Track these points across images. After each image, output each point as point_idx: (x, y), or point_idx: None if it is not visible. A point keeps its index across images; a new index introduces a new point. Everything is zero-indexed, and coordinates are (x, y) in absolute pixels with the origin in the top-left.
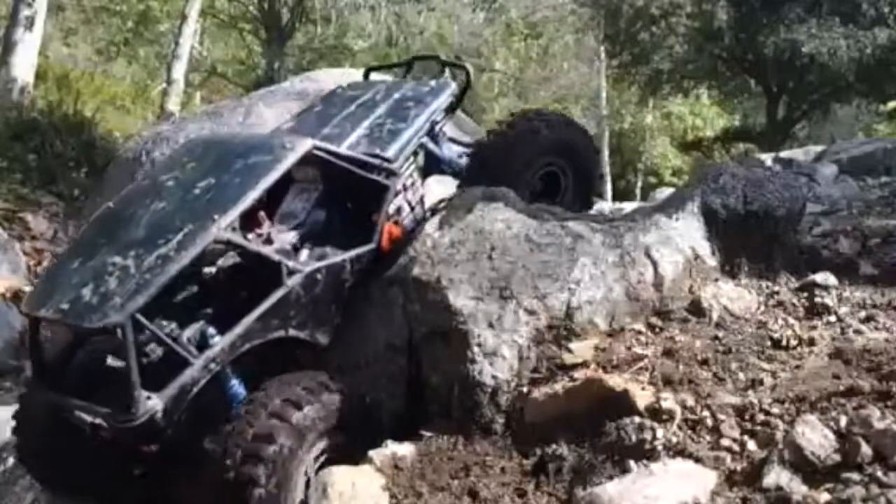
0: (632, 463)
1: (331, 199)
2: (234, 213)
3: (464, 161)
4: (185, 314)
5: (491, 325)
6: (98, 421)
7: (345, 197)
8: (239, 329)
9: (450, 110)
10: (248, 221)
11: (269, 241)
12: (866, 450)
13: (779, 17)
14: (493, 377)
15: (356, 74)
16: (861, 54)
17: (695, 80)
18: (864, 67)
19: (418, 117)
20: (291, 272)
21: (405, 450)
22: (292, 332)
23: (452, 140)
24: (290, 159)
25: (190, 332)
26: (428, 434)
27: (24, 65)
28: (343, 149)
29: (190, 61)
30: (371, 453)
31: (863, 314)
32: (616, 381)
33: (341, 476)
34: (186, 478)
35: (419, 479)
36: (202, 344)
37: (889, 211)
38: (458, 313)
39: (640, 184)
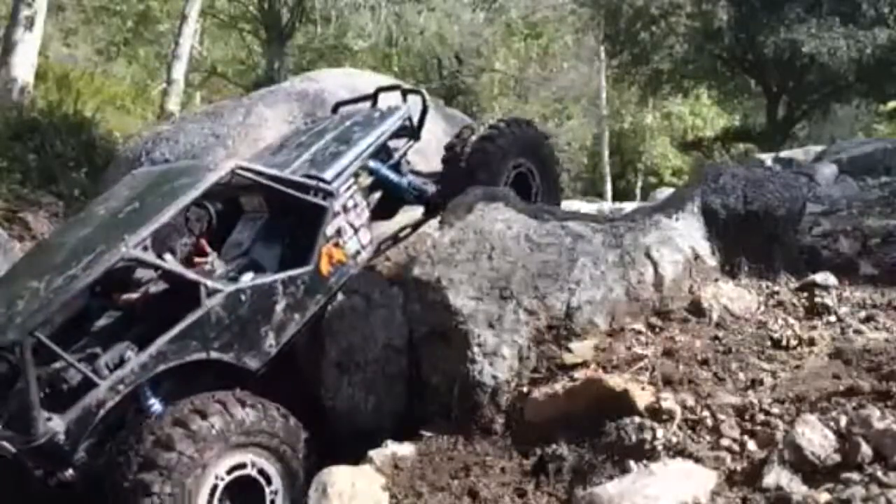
0: (632, 463)
1: (274, 226)
2: (144, 232)
3: (430, 188)
4: (110, 339)
5: (491, 325)
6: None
7: (287, 222)
8: (152, 349)
9: (411, 136)
10: (193, 252)
11: (211, 270)
12: (866, 450)
13: (779, 17)
14: (493, 377)
15: (356, 74)
16: (861, 54)
17: (695, 80)
18: (864, 67)
19: (362, 139)
20: (211, 292)
21: (405, 450)
22: (214, 354)
23: (416, 173)
24: (210, 179)
25: (109, 355)
26: (428, 434)
27: (24, 65)
28: (283, 172)
29: (190, 61)
30: (371, 453)
31: (863, 314)
32: (616, 381)
33: (341, 476)
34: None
35: (419, 479)
36: (119, 366)
37: (889, 211)
38: (458, 313)
39: (640, 184)
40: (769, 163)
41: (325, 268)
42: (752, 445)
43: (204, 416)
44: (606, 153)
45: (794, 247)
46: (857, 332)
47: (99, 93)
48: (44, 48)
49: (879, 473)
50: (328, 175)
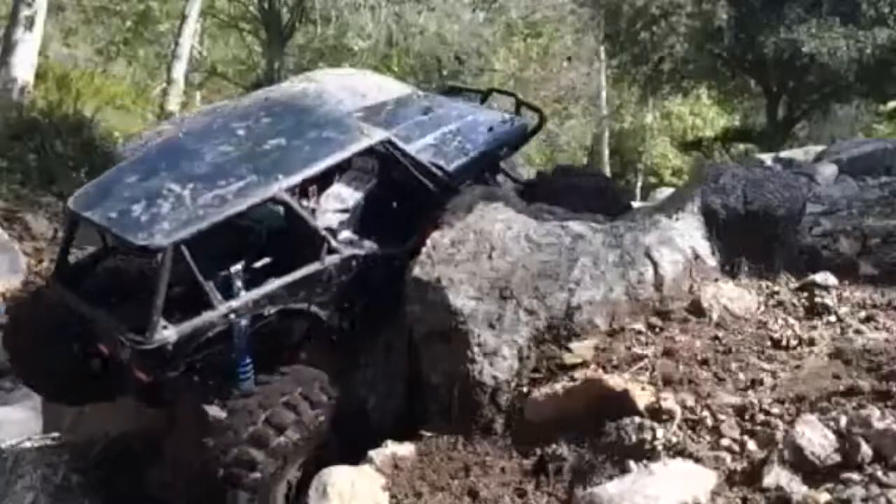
0: (632, 463)
1: (382, 193)
2: (297, 177)
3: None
4: (216, 261)
5: (491, 325)
6: (115, 334)
7: (394, 196)
8: (266, 289)
9: (514, 148)
10: (299, 191)
11: (311, 214)
12: (866, 450)
13: (779, 17)
14: (493, 377)
15: (357, 74)
16: (861, 54)
17: (695, 80)
18: (864, 67)
19: (487, 144)
20: (332, 251)
21: (405, 450)
22: (314, 308)
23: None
24: (362, 143)
25: (218, 280)
26: (428, 434)
27: (24, 65)
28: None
29: (190, 61)
30: (371, 453)
31: (863, 314)
32: (616, 381)
33: (341, 476)
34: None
35: (419, 479)
36: (226, 293)
37: (889, 211)
38: (458, 313)
39: (640, 184)
40: (769, 163)
41: (419, 245)
42: (752, 445)
43: (281, 429)
44: (606, 153)
45: (794, 247)
46: (857, 332)
47: (99, 93)
48: (44, 48)
49: (879, 473)
50: (452, 169)
